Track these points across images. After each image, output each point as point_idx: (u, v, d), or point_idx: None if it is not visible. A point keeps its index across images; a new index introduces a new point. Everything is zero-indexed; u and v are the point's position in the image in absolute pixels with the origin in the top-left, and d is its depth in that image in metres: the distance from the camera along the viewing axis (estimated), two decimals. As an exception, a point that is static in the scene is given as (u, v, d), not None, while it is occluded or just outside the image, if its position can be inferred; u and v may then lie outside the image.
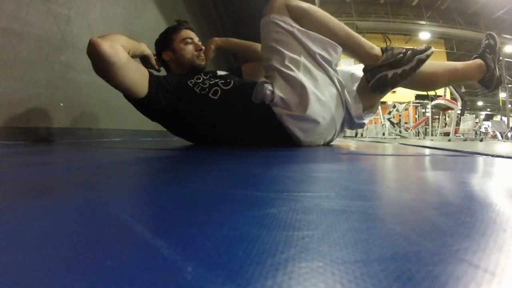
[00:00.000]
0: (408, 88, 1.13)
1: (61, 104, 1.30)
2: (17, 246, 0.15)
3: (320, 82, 0.97)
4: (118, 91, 0.98)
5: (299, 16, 1.00)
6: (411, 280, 0.11)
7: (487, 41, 1.12)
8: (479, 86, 1.09)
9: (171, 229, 0.17)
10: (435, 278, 0.11)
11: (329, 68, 0.99)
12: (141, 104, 1.02)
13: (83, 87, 1.41)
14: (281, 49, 0.97)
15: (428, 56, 0.95)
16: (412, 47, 0.97)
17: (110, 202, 0.24)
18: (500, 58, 1.10)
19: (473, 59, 1.11)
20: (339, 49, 1.00)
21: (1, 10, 1.03)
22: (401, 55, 0.94)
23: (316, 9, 1.02)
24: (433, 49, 0.98)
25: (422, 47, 0.96)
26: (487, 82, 1.08)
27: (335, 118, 1.02)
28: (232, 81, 1.05)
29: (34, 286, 0.11)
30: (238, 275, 0.11)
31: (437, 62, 1.12)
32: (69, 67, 1.32)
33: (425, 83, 1.10)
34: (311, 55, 0.98)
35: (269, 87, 0.97)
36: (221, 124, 1.03)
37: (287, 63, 0.96)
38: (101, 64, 0.88)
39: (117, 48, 0.90)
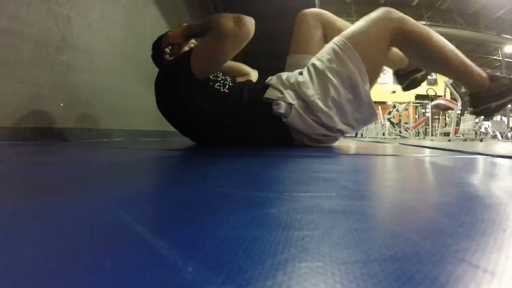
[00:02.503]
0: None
1: (61, 104, 1.30)
2: (17, 246, 0.15)
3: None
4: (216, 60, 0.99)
5: (413, 43, 0.94)
6: (411, 280, 0.11)
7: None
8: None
9: (171, 229, 0.17)
10: (435, 278, 0.11)
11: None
12: (187, 84, 0.99)
13: (83, 87, 1.41)
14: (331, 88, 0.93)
15: None
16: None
17: (110, 202, 0.24)
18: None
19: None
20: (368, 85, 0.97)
21: (1, 10, 1.03)
22: (504, 87, 0.93)
23: (436, 36, 0.93)
24: None
25: None
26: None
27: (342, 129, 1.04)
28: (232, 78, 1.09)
29: (34, 286, 0.11)
30: (238, 275, 0.11)
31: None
32: (69, 67, 1.32)
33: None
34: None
35: (282, 108, 0.95)
36: (229, 120, 1.03)
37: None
38: (245, 39, 0.95)
39: None
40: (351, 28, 0.99)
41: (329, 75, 0.93)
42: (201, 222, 0.18)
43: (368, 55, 0.94)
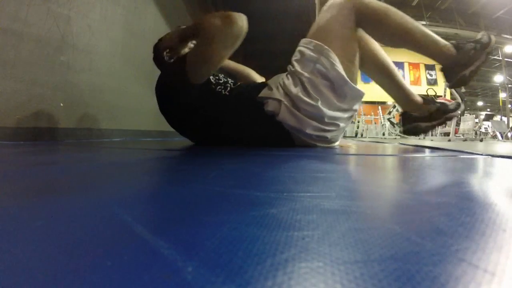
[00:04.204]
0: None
1: (61, 104, 1.30)
2: (17, 245, 0.15)
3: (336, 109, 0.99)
4: (201, 63, 0.97)
5: (371, 19, 0.97)
6: (411, 280, 0.11)
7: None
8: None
9: (171, 229, 0.17)
10: (435, 278, 0.11)
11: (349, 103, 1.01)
12: (184, 89, 0.99)
13: (83, 87, 1.41)
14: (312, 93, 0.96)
15: (492, 48, 0.96)
16: (477, 39, 0.98)
17: (110, 202, 0.24)
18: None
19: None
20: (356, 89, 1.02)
21: (1, 10, 1.03)
22: (473, 51, 0.95)
23: (393, 11, 0.97)
24: (493, 37, 0.99)
25: (486, 37, 0.97)
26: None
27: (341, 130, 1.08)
28: (239, 82, 1.11)
29: (34, 286, 0.11)
30: (238, 275, 0.11)
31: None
32: (69, 67, 1.32)
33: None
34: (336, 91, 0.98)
35: (272, 106, 0.98)
36: (229, 121, 1.03)
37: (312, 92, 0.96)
38: (236, 38, 0.92)
39: None
40: (316, 22, 1.03)
41: (301, 71, 0.98)
42: (201, 222, 0.18)
43: (338, 41, 0.98)
